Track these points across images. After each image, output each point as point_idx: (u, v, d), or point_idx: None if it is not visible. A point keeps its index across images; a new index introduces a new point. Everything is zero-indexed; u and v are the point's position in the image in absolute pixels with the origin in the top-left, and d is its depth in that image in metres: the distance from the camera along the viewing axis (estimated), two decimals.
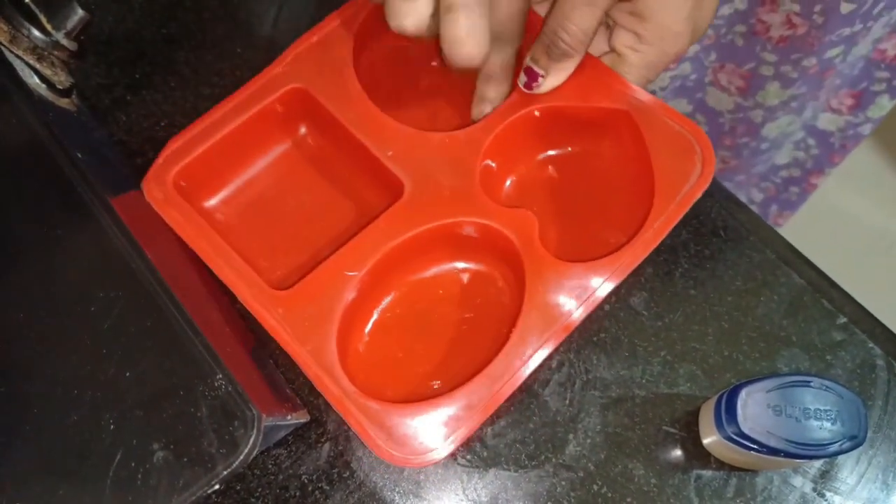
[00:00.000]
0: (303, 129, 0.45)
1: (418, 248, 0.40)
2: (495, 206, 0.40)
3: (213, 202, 0.43)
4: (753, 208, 0.69)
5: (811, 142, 0.73)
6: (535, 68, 0.40)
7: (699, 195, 0.39)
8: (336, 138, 0.43)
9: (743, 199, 0.72)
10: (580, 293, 0.38)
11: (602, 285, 0.38)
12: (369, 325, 0.41)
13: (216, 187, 0.43)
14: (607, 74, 0.42)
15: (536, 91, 0.40)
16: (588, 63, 0.42)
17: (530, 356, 0.37)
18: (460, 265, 0.42)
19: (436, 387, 0.40)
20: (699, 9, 0.38)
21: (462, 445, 0.39)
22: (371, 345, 0.41)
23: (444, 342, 0.41)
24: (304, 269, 0.41)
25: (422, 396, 0.39)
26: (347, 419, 0.35)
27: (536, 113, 0.42)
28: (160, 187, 0.39)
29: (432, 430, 0.35)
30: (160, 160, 0.40)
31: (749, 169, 0.76)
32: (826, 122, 0.70)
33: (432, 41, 0.46)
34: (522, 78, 0.40)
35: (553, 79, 0.40)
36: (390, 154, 0.41)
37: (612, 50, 0.41)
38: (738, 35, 0.63)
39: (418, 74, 0.48)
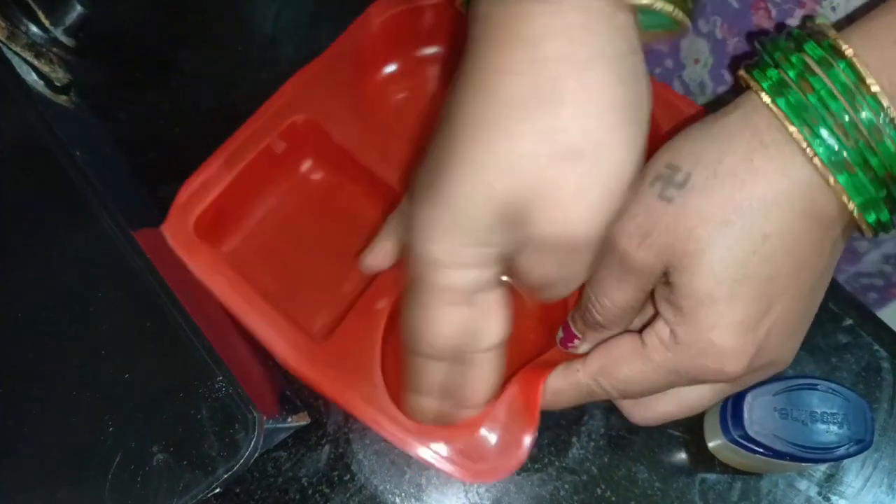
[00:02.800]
0: (311, 162, 0.44)
1: None
2: None
3: (229, 246, 0.42)
4: None
5: None
6: (573, 329, 0.36)
7: None
8: (344, 166, 0.42)
9: None
10: None
11: None
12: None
13: (231, 230, 0.42)
14: None
15: (571, 351, 0.36)
16: None
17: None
18: None
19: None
20: (760, 326, 0.28)
21: None
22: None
23: None
24: (327, 306, 0.41)
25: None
26: (416, 456, 0.35)
27: None
28: (183, 233, 0.38)
29: (501, 440, 0.35)
30: (176, 204, 0.38)
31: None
32: None
33: (432, 63, 0.46)
34: (560, 333, 0.37)
35: (589, 345, 0.35)
36: (398, 177, 0.40)
37: (640, 336, 0.32)
38: None
39: (422, 96, 0.47)
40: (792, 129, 0.27)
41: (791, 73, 0.27)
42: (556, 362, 0.36)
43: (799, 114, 0.27)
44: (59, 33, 0.38)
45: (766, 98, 0.27)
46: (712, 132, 0.29)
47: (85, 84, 0.46)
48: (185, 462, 0.30)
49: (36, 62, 0.37)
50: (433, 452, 0.35)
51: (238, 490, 0.39)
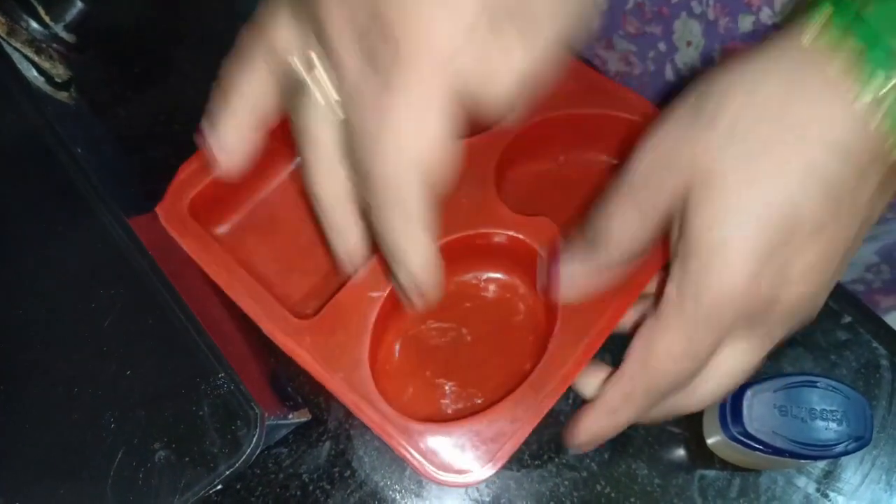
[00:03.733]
0: None
1: None
2: (514, 216, 0.39)
3: (226, 227, 0.43)
4: None
5: (885, 268, 0.62)
6: (564, 268, 0.34)
7: None
8: None
9: None
10: (611, 298, 0.38)
11: (632, 289, 0.38)
12: (398, 344, 0.41)
13: (229, 212, 0.43)
14: (617, 86, 0.42)
15: (554, 298, 0.35)
16: (597, 76, 0.42)
17: (572, 365, 0.36)
18: (482, 275, 0.42)
19: (479, 401, 0.39)
20: (777, 255, 0.26)
21: None
22: (400, 363, 0.40)
23: (471, 353, 0.41)
24: (322, 290, 0.41)
25: (457, 412, 0.39)
26: (391, 444, 0.35)
27: (548, 119, 0.42)
28: (176, 214, 0.38)
29: (478, 446, 0.35)
30: (174, 184, 0.39)
31: None
32: None
33: None
34: (542, 279, 0.35)
35: (577, 291, 0.34)
36: None
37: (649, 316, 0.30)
38: None
39: None
40: (839, 63, 0.25)
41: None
42: (545, 383, 0.36)
43: (850, 42, 0.25)
44: (59, 29, 0.37)
45: (813, 31, 0.26)
46: (749, 66, 0.27)
47: (84, 80, 0.46)
48: (186, 459, 0.30)
49: (36, 58, 0.37)
50: (410, 443, 0.35)
51: (238, 486, 0.39)
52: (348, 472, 0.39)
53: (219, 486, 0.30)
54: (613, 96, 0.42)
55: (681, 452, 0.40)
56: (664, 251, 0.38)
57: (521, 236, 0.39)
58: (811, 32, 0.26)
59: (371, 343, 0.37)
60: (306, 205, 0.43)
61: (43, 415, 0.31)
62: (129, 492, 0.30)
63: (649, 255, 0.38)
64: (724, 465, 0.40)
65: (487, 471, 0.35)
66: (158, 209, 0.38)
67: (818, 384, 0.35)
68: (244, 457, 0.30)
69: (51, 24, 0.37)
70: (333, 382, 0.36)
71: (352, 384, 0.36)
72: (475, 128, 0.43)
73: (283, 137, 0.42)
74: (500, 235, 0.39)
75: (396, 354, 0.41)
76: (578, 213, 0.44)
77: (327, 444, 0.40)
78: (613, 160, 0.45)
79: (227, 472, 0.30)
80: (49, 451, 0.31)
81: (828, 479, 0.40)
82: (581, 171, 0.45)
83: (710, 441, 0.39)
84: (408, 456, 0.35)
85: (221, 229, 0.43)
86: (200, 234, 0.38)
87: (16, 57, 0.37)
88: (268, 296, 0.37)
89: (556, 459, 0.40)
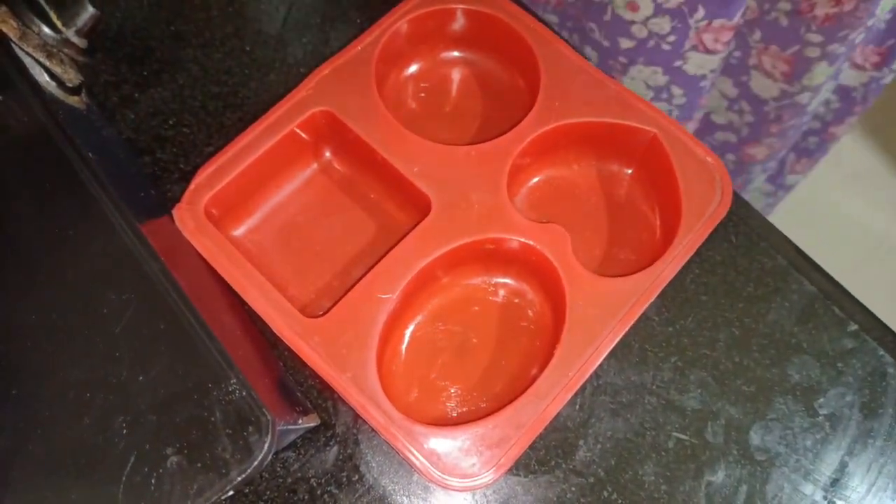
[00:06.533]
0: (328, 153, 0.45)
1: (449, 265, 0.40)
2: (526, 221, 0.40)
3: (242, 229, 0.43)
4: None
5: (833, 97, 0.71)
6: None
7: (720, 219, 0.40)
8: (361, 158, 0.43)
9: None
10: (619, 308, 0.38)
11: (639, 300, 0.38)
12: (405, 345, 0.41)
13: (245, 214, 0.43)
14: (635, 98, 0.42)
15: None
16: (616, 86, 0.42)
17: (577, 372, 0.37)
18: (491, 280, 0.42)
19: (483, 405, 0.40)
20: None
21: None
22: (407, 365, 0.41)
23: (478, 357, 0.41)
24: (335, 291, 0.41)
25: (462, 415, 0.39)
26: (395, 445, 0.35)
27: (564, 126, 0.42)
28: (192, 216, 0.39)
29: (482, 450, 0.35)
30: (192, 187, 0.39)
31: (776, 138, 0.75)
32: (850, 78, 0.69)
33: (454, 66, 0.46)
34: None
35: None
36: (416, 170, 0.40)
37: None
38: (783, 14, 0.58)
39: (440, 98, 0.47)
40: None
41: None
42: (550, 389, 0.36)
43: None
44: (71, 34, 0.38)
45: None
46: None
47: (93, 83, 0.46)
48: (198, 465, 0.30)
49: (48, 63, 0.37)
50: (413, 446, 0.35)
51: (247, 490, 0.39)
52: (356, 477, 0.39)
53: (230, 493, 0.30)
54: (631, 107, 0.42)
55: (688, 459, 0.40)
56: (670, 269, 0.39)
57: (532, 242, 0.39)
58: None
59: (379, 344, 0.37)
60: (320, 208, 0.44)
61: (55, 419, 0.31)
62: (141, 497, 0.30)
63: (657, 271, 0.39)
64: (731, 472, 0.40)
65: (491, 476, 0.35)
66: (175, 211, 0.39)
67: None
68: (256, 463, 0.30)
69: (63, 28, 0.37)
70: (341, 382, 0.36)
71: (359, 384, 0.36)
72: (489, 131, 0.43)
73: (307, 142, 0.43)
74: (512, 241, 0.39)
75: (403, 356, 0.41)
76: (590, 220, 0.44)
77: (335, 448, 0.40)
78: (628, 170, 0.45)
79: (239, 479, 0.30)
80: (61, 456, 0.31)
81: (835, 487, 0.40)
82: (595, 180, 0.45)
83: None
84: (411, 458, 0.35)
85: (236, 232, 0.43)
86: (216, 235, 0.38)
87: (28, 62, 0.37)
88: (279, 295, 0.37)
89: (564, 465, 0.40)
